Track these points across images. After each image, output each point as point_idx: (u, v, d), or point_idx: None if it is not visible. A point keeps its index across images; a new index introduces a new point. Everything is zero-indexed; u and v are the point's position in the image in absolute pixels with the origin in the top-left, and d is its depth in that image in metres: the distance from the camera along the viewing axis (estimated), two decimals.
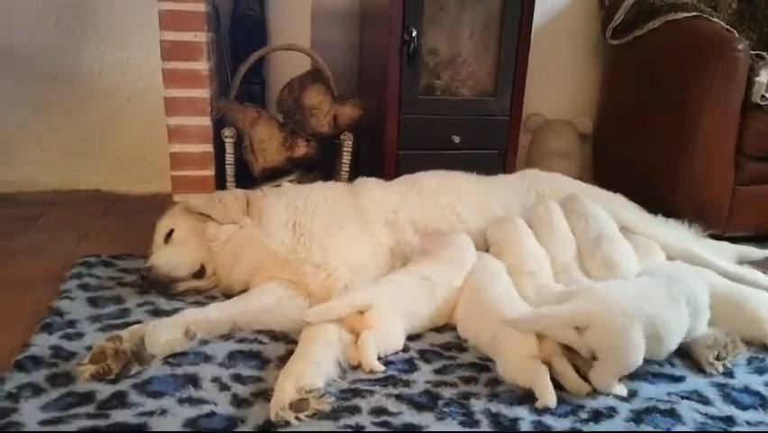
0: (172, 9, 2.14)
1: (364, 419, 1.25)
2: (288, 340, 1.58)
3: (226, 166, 2.32)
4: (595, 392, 1.36)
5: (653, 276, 1.54)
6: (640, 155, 2.77)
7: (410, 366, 1.47)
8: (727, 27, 2.45)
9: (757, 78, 2.34)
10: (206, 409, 1.26)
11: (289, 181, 2.26)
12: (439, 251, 1.78)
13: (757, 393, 1.41)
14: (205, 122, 2.23)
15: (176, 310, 1.63)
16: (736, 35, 2.38)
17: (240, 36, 2.71)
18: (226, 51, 2.67)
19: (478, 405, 1.31)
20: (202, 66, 2.17)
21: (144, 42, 2.80)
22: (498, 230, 1.91)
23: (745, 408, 1.35)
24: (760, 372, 1.50)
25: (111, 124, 2.91)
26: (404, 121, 2.49)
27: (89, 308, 1.69)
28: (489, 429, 1.23)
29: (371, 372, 1.42)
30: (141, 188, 2.96)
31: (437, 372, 1.45)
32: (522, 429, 1.24)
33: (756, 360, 1.55)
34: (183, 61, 2.15)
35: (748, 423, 1.30)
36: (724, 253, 2.05)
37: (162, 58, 2.16)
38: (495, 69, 2.57)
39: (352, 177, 2.22)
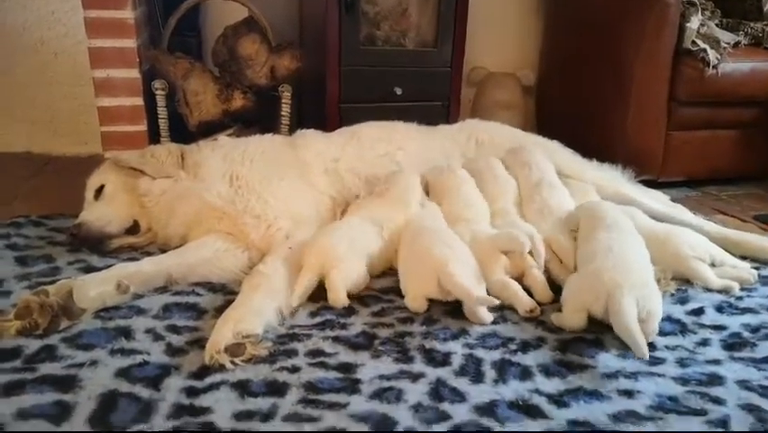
0: None
1: (300, 361, 1.26)
2: (226, 291, 1.57)
3: (159, 120, 2.24)
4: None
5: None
6: (580, 105, 2.82)
7: (348, 311, 1.48)
8: None
9: (688, 24, 2.40)
10: (139, 358, 1.25)
11: (228, 135, 2.20)
12: (383, 191, 1.79)
13: (678, 321, 1.48)
14: (134, 74, 2.14)
15: (109, 267, 1.58)
16: None
17: None
18: (157, 0, 2.54)
19: (413, 342, 1.34)
20: (127, 14, 2.06)
21: None
22: (436, 178, 1.93)
23: (665, 334, 1.42)
24: (682, 301, 1.58)
25: (38, 82, 2.77)
26: (345, 73, 2.45)
27: (17, 268, 1.64)
28: (422, 364, 1.26)
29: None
30: (76, 148, 2.84)
31: (375, 314, 1.47)
32: (454, 363, 1.27)
33: (680, 291, 1.62)
34: (106, 9, 2.04)
35: (667, 347, 1.37)
36: (657, 198, 2.13)
37: (84, 6, 2.04)
38: (435, 20, 2.55)
39: (294, 131, 2.18)
